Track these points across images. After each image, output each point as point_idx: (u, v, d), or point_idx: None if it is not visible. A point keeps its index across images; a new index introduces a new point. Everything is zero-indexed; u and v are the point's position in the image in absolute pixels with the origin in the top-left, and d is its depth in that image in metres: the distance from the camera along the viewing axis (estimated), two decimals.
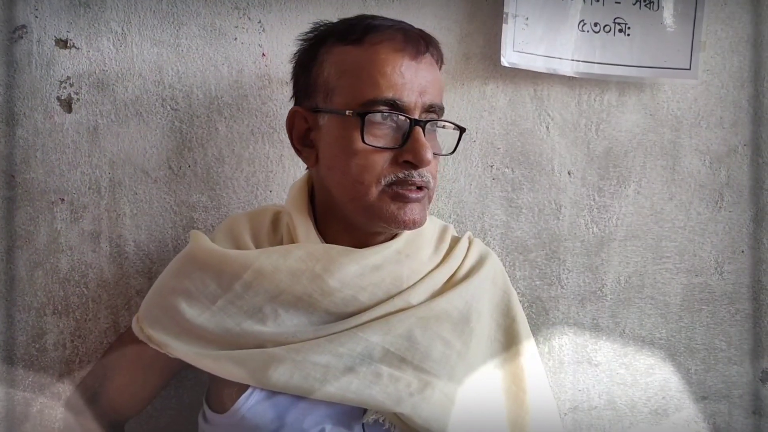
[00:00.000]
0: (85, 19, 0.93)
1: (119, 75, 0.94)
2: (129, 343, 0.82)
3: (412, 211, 0.75)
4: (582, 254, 1.06)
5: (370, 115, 0.73)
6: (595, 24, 1.01)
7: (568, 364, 1.06)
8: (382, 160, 0.74)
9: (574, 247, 1.06)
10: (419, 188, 0.75)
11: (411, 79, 0.74)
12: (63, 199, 0.95)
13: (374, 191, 0.74)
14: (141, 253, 0.97)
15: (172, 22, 0.95)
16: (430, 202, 0.79)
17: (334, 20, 0.82)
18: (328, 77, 0.77)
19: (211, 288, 0.77)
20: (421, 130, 0.74)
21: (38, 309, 0.95)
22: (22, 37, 0.92)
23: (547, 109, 1.04)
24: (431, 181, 0.76)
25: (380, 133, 0.74)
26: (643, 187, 1.07)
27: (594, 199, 1.06)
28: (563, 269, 1.06)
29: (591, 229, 1.07)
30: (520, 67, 0.99)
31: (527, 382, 0.82)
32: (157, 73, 0.95)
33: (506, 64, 0.98)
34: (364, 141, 0.73)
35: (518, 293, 1.05)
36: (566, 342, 1.06)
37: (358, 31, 0.76)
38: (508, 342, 0.84)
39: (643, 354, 1.08)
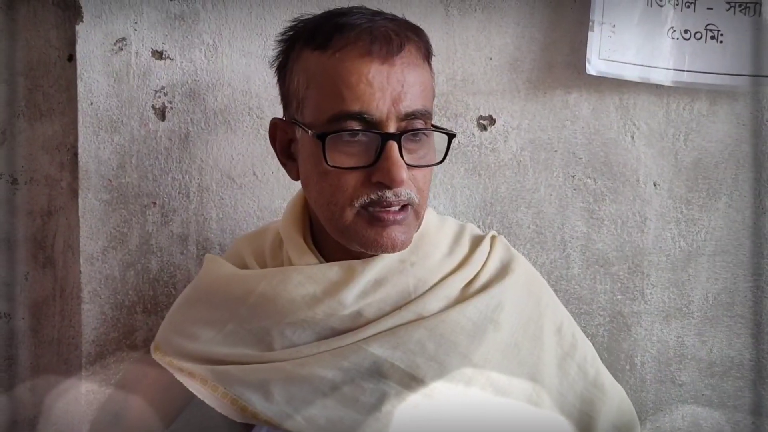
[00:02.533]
0: (179, 32, 0.98)
1: (210, 85, 0.98)
2: (148, 367, 0.81)
3: (391, 234, 0.68)
4: (667, 269, 1.02)
5: (331, 136, 0.66)
6: (685, 31, 0.97)
7: (650, 383, 1.02)
8: (353, 180, 0.67)
9: (659, 261, 1.02)
10: (401, 208, 0.69)
11: (381, 87, 0.66)
12: (155, 203, 0.99)
13: (349, 214, 0.68)
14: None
15: (260, 34, 0.98)
16: (418, 218, 0.72)
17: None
18: (298, 87, 0.71)
19: (219, 313, 0.77)
20: (395, 146, 0.66)
21: (129, 307, 1.00)
22: (122, 49, 0.98)
23: (632, 118, 1.01)
24: (415, 196, 0.69)
25: (350, 151, 0.67)
26: (735, 200, 1.02)
27: (681, 212, 1.02)
28: (647, 284, 1.02)
29: (678, 243, 1.02)
30: (607, 75, 0.96)
31: (554, 399, 0.75)
32: (245, 83, 0.98)
33: (593, 73, 0.96)
34: (328, 164, 0.67)
35: (599, 307, 1.03)
36: (649, 360, 1.03)
37: (322, 34, 0.69)
38: (533, 351, 0.76)
39: (731, 376, 1.03)
